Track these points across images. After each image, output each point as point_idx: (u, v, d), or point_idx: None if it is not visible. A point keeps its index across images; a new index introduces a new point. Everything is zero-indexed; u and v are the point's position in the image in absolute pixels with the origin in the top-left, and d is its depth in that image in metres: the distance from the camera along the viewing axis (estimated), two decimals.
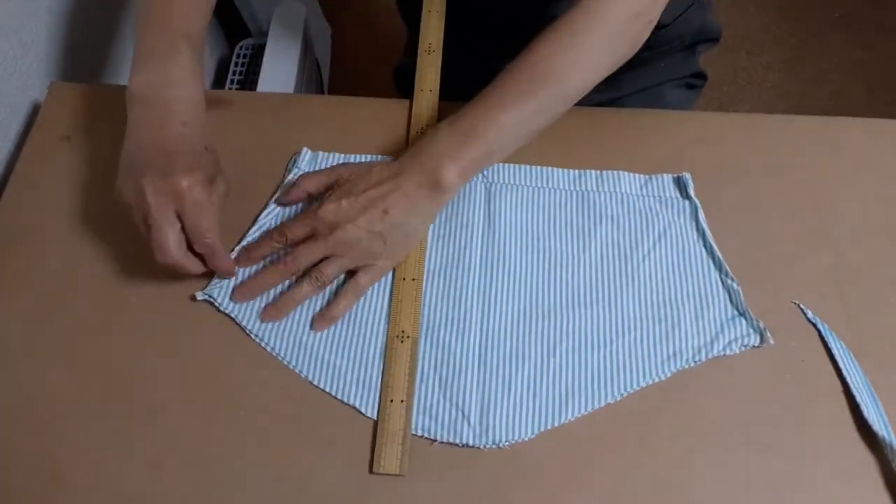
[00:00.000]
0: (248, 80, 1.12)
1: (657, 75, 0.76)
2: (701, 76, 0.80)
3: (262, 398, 0.49)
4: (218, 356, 0.51)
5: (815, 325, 0.52)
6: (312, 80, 1.18)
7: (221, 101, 0.63)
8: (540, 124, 0.53)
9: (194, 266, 0.50)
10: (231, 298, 0.53)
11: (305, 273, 0.53)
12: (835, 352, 0.50)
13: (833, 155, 0.61)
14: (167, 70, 0.51)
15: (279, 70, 1.02)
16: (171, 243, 0.48)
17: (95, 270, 0.55)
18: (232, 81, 1.13)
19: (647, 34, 0.54)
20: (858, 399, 0.48)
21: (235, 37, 1.20)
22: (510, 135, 0.52)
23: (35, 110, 0.68)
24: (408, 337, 0.51)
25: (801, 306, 0.53)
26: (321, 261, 0.52)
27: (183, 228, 0.49)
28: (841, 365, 0.50)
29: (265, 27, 1.15)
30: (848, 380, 0.49)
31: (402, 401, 0.49)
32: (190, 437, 0.48)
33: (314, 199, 0.57)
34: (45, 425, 0.49)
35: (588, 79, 0.53)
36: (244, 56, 1.15)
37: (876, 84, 1.53)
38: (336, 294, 0.53)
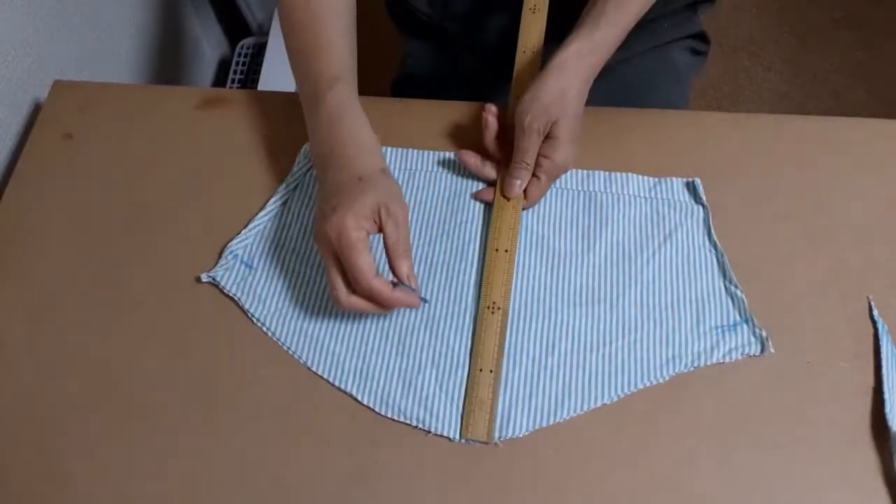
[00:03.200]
0: (249, 79, 1.12)
1: (664, 34, 0.77)
2: (704, 39, 0.81)
3: (262, 398, 0.49)
4: (218, 355, 0.51)
5: (874, 324, 0.52)
6: None
7: (223, 100, 0.63)
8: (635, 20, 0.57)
9: (370, 306, 0.49)
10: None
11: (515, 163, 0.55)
12: (883, 350, 0.50)
13: (834, 155, 0.61)
14: (318, 121, 0.53)
15: (280, 69, 1.02)
16: (336, 287, 0.48)
17: (96, 269, 0.55)
18: (233, 80, 1.13)
19: None
20: (887, 396, 0.48)
21: (236, 36, 1.20)
22: (621, 35, 0.56)
23: (36, 109, 0.68)
24: (498, 308, 0.52)
25: (870, 303, 0.53)
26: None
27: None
28: (884, 363, 0.50)
29: (266, 26, 1.16)
30: (885, 378, 0.49)
31: (490, 371, 0.49)
32: (190, 437, 0.48)
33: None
34: (45, 424, 0.49)
35: None
36: (245, 55, 1.15)
37: (876, 84, 1.53)
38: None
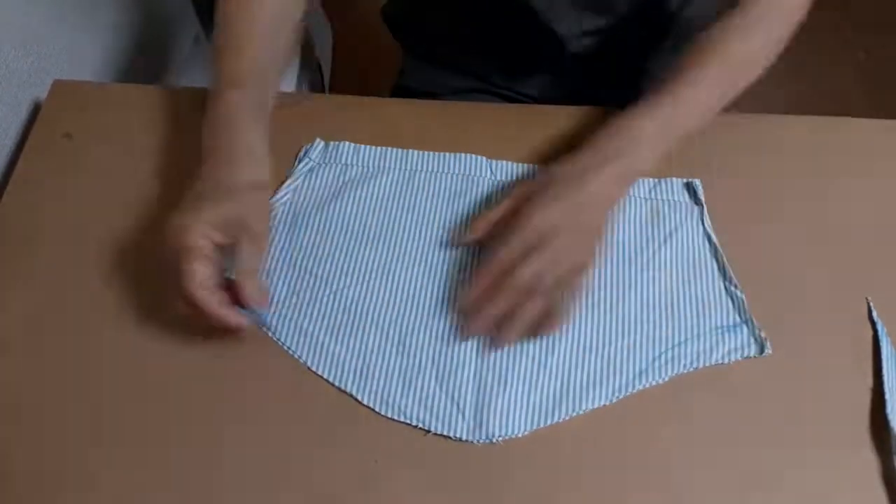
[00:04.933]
0: None
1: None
2: None
3: (262, 398, 0.49)
4: (219, 355, 0.51)
5: (874, 325, 0.52)
6: (313, 79, 1.18)
7: None
8: (722, 106, 0.56)
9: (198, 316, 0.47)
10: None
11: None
12: (883, 351, 0.50)
13: (834, 155, 0.61)
14: (211, 116, 0.52)
15: None
16: (190, 277, 0.46)
17: (96, 269, 0.55)
18: None
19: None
20: (888, 397, 0.48)
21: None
22: (704, 120, 0.55)
23: (36, 108, 0.68)
24: None
25: (870, 303, 0.53)
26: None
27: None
28: (884, 364, 0.50)
29: None
30: (885, 379, 0.49)
31: None
32: (190, 436, 0.48)
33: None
34: (45, 424, 0.49)
35: (765, 65, 0.57)
36: None
37: (876, 84, 1.53)
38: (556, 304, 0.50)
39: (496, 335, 0.50)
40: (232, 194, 0.49)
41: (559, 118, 0.62)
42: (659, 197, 0.58)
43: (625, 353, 0.51)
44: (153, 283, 0.54)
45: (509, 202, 0.53)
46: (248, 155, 0.51)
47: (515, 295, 0.48)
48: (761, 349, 0.51)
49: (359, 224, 0.57)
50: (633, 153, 0.52)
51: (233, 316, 0.47)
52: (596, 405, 0.49)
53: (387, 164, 0.60)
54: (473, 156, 0.60)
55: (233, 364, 0.51)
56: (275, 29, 0.56)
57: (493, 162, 0.60)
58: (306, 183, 0.59)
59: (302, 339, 0.51)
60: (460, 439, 0.48)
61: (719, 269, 0.55)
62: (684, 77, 0.54)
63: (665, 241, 0.56)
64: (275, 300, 0.53)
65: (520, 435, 0.48)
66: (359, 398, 0.49)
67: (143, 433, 0.48)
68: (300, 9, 0.59)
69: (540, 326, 0.50)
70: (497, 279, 0.49)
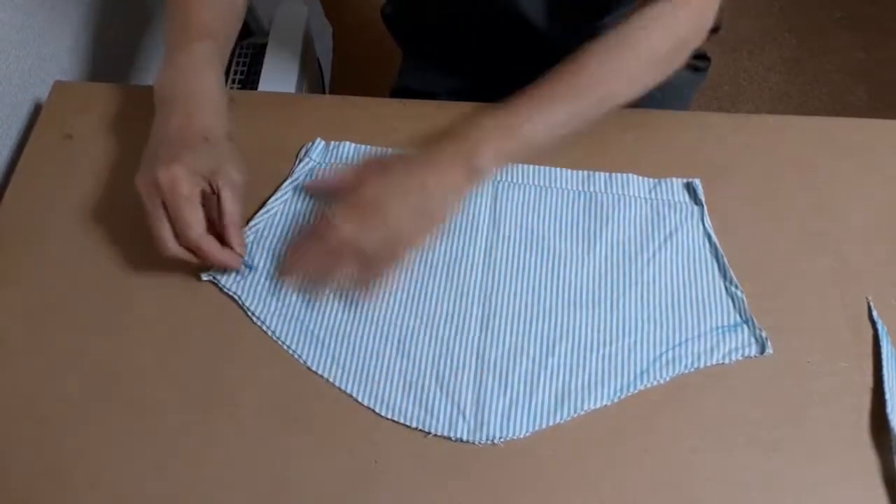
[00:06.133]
0: (250, 80, 1.12)
1: None
2: (704, 58, 0.81)
3: (262, 397, 0.49)
4: (219, 355, 0.51)
5: (874, 324, 0.52)
6: (313, 79, 1.18)
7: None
8: (577, 128, 0.55)
9: (192, 257, 0.50)
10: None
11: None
12: (883, 350, 0.50)
13: (834, 155, 0.61)
14: (177, 65, 0.53)
15: (280, 70, 1.02)
16: (164, 236, 0.48)
17: (97, 268, 0.55)
18: (233, 81, 1.13)
19: (686, 60, 0.57)
20: (888, 397, 0.48)
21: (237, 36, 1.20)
22: (554, 133, 0.54)
23: (37, 109, 0.68)
24: None
25: (870, 303, 0.53)
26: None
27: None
28: (884, 364, 0.50)
29: (266, 27, 1.15)
30: (885, 378, 0.49)
31: None
32: (190, 437, 0.48)
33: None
34: (45, 423, 0.49)
35: (630, 95, 0.55)
36: (245, 55, 1.15)
37: (877, 84, 1.53)
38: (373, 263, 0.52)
39: (308, 287, 0.53)
40: (211, 145, 0.50)
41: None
42: (659, 197, 0.58)
43: (625, 353, 0.51)
44: (153, 283, 0.54)
45: (352, 172, 0.55)
46: (215, 105, 0.52)
47: (326, 252, 0.51)
48: (761, 349, 0.51)
49: None
50: (475, 149, 0.52)
51: (233, 260, 0.50)
52: (597, 405, 0.49)
53: None
54: None
55: (233, 364, 0.51)
56: None
57: None
58: (307, 182, 0.59)
59: (303, 339, 0.51)
60: (461, 440, 0.48)
61: (719, 269, 0.55)
62: (548, 84, 0.54)
63: (665, 242, 0.56)
64: (275, 299, 0.53)
65: (521, 436, 0.48)
66: (359, 399, 0.49)
67: (142, 433, 0.48)
68: None
69: (356, 290, 0.52)
70: (319, 236, 0.51)
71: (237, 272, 0.53)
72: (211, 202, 0.50)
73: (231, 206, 0.50)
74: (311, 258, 0.52)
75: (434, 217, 0.53)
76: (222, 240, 0.50)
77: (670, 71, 0.56)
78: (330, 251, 0.51)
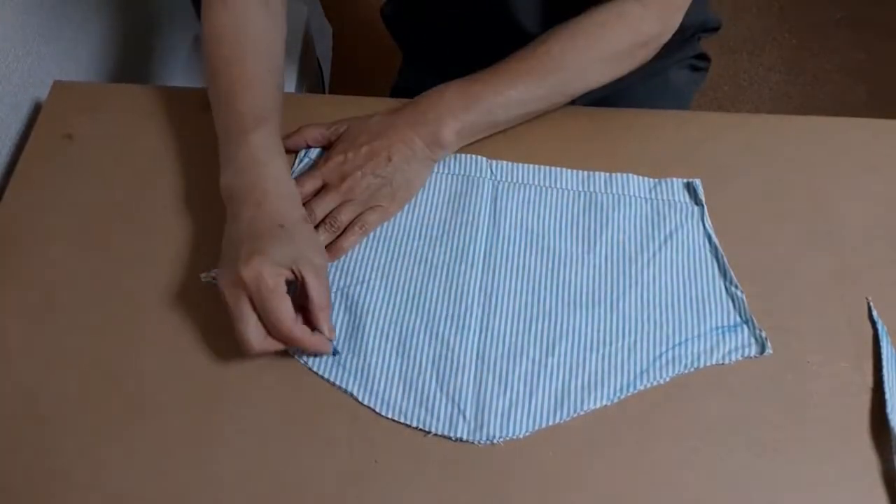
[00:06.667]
0: None
1: (661, 61, 0.77)
2: (704, 58, 0.81)
3: (262, 397, 0.49)
4: (219, 355, 0.51)
5: (874, 324, 0.52)
6: (313, 79, 1.18)
7: None
8: (538, 109, 0.59)
9: (279, 347, 0.48)
10: None
11: (321, 223, 0.55)
12: (883, 351, 0.50)
13: (834, 155, 0.61)
14: (237, 163, 0.52)
15: None
16: (250, 338, 0.46)
17: (96, 269, 0.55)
18: None
19: (650, 57, 0.59)
20: (888, 397, 0.48)
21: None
22: (511, 112, 0.57)
23: (37, 109, 0.68)
24: None
25: (870, 303, 0.53)
26: (334, 210, 0.55)
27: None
28: (884, 364, 0.50)
29: None
30: (885, 378, 0.49)
31: None
32: (190, 437, 0.48)
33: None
34: (44, 423, 0.49)
35: (590, 84, 0.58)
36: None
37: (877, 84, 1.53)
38: (344, 230, 0.55)
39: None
40: (289, 233, 0.49)
41: (557, 117, 0.62)
42: (659, 197, 0.58)
43: (625, 353, 0.51)
44: (153, 283, 0.54)
45: (328, 129, 0.59)
46: (291, 192, 0.52)
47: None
48: (761, 349, 0.51)
49: None
50: (438, 120, 0.56)
51: (324, 345, 0.49)
52: (596, 405, 0.49)
53: None
54: (473, 156, 0.60)
55: (232, 364, 0.51)
56: (275, 58, 0.58)
57: (493, 162, 0.60)
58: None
59: None
60: (461, 440, 0.48)
61: (719, 269, 0.55)
62: (513, 63, 0.57)
63: (665, 242, 0.56)
64: None
65: (521, 436, 0.48)
66: (359, 398, 0.49)
67: (142, 433, 0.48)
68: (283, 21, 0.61)
69: (329, 249, 0.54)
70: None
71: (326, 356, 0.51)
72: (295, 288, 0.49)
73: (316, 292, 0.48)
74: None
75: (408, 187, 0.57)
76: (310, 323, 0.49)
77: (631, 68, 0.59)
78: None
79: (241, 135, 0.53)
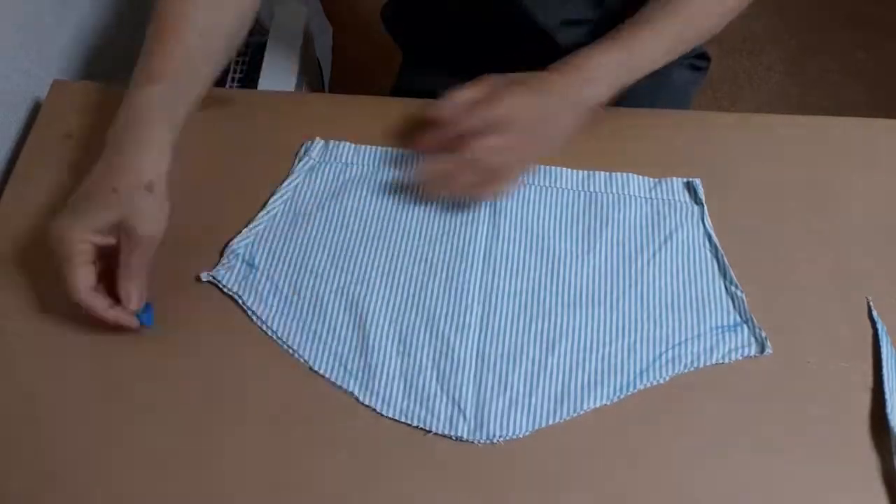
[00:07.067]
0: (249, 79, 1.12)
1: None
2: (704, 57, 0.81)
3: (262, 397, 0.49)
4: (218, 355, 0.51)
5: (874, 324, 0.52)
6: (313, 79, 1.18)
7: (222, 100, 0.63)
8: (661, 65, 0.59)
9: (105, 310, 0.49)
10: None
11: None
12: (883, 350, 0.50)
13: (834, 155, 0.61)
14: (125, 109, 0.51)
15: (280, 68, 1.02)
16: (74, 286, 0.47)
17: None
18: (233, 80, 1.13)
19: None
20: (888, 397, 0.48)
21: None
22: (646, 69, 0.58)
23: (36, 108, 0.68)
24: None
25: (870, 303, 0.53)
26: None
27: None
28: (884, 363, 0.50)
29: (266, 25, 1.15)
30: (885, 378, 0.49)
31: None
32: (190, 437, 0.48)
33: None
34: (44, 424, 0.49)
35: (704, 39, 0.62)
36: (245, 54, 1.15)
37: (877, 84, 1.53)
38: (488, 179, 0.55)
39: (430, 187, 0.57)
40: (120, 198, 0.47)
41: None
42: (659, 197, 0.58)
43: (625, 352, 0.51)
44: (154, 283, 0.54)
45: (473, 92, 0.55)
46: (145, 153, 0.50)
47: (459, 162, 0.53)
48: (761, 349, 0.51)
49: (359, 223, 0.57)
50: (594, 85, 0.56)
51: (123, 317, 0.49)
52: (596, 405, 0.49)
53: (387, 164, 0.60)
54: None
55: (233, 364, 0.51)
56: (206, 32, 0.55)
57: None
58: (307, 181, 0.59)
59: (303, 338, 0.51)
60: (461, 440, 0.48)
61: (719, 268, 0.55)
62: (648, 20, 0.57)
63: (665, 241, 0.56)
64: (276, 298, 0.53)
65: (520, 435, 0.48)
66: (359, 398, 0.49)
67: (142, 433, 0.48)
68: (240, 21, 0.57)
69: (470, 194, 0.56)
70: (450, 142, 0.53)
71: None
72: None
73: (125, 261, 0.48)
74: (441, 164, 0.54)
75: (547, 149, 0.57)
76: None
77: (731, 18, 0.62)
78: (456, 160, 0.53)
79: (134, 88, 0.52)
